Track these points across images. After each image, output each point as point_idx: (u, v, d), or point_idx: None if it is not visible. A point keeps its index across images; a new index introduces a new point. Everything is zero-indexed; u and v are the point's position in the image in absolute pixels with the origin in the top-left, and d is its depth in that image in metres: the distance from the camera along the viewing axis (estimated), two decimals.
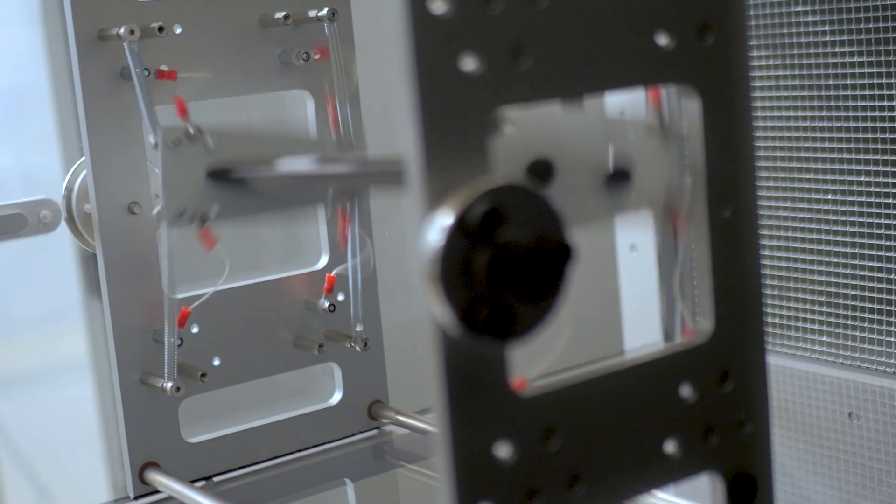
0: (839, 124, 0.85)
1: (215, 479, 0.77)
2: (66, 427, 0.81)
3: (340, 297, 0.80)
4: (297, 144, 0.73)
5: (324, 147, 0.72)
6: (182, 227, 0.68)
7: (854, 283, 0.86)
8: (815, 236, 0.89)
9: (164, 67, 0.72)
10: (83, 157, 0.74)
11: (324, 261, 0.80)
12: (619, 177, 0.48)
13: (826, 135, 0.87)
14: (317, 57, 0.77)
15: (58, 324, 0.82)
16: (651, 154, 0.49)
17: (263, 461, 0.79)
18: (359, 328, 0.80)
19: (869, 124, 0.83)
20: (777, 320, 0.92)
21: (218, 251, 0.72)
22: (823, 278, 0.88)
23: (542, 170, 0.46)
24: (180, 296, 0.73)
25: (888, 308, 0.84)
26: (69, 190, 0.76)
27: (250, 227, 0.76)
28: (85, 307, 0.80)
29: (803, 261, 0.90)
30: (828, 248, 0.88)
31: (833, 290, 0.88)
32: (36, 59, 0.77)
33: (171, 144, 0.67)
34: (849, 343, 0.87)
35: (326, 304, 0.78)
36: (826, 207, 0.87)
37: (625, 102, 1.02)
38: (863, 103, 0.84)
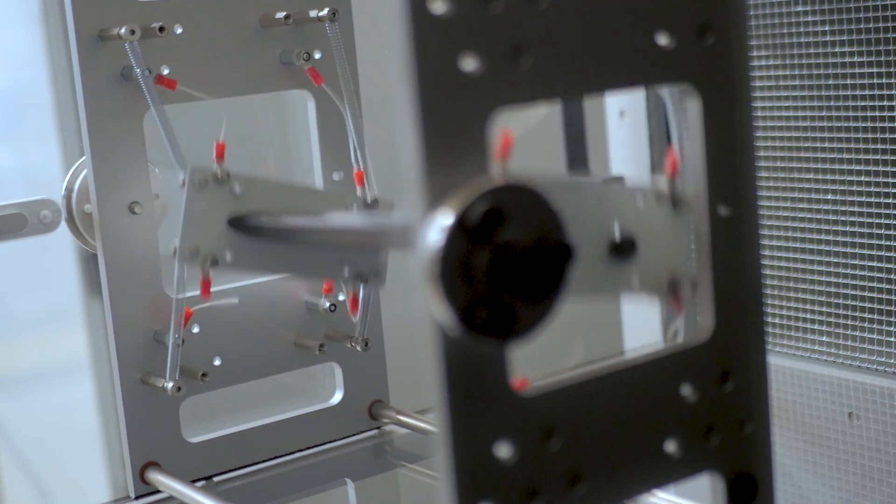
0: (839, 124, 0.85)
1: (216, 478, 0.77)
2: (66, 427, 0.81)
3: (341, 297, 0.80)
4: (321, 199, 0.74)
5: (348, 206, 0.74)
6: (192, 266, 0.69)
7: (854, 283, 0.86)
8: (815, 236, 0.89)
9: (165, 72, 0.72)
10: (83, 157, 0.74)
11: None
12: (625, 247, 0.48)
13: (826, 135, 0.87)
14: (317, 56, 0.77)
15: (58, 324, 0.82)
16: (660, 223, 0.49)
17: (264, 461, 0.79)
18: (360, 328, 0.80)
19: (869, 124, 0.83)
20: (777, 320, 0.92)
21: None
22: (823, 278, 0.88)
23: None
24: (184, 296, 0.73)
25: (888, 308, 0.84)
26: (69, 190, 0.76)
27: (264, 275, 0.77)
28: (85, 307, 0.80)
29: (803, 261, 0.90)
30: (828, 248, 0.88)
31: (833, 290, 0.88)
32: (36, 60, 0.77)
33: (197, 184, 0.68)
34: (849, 343, 0.87)
35: (327, 305, 0.78)
36: (826, 207, 0.87)
37: (625, 103, 1.03)
38: (863, 103, 0.84)
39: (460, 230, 0.40)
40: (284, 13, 0.75)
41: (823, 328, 0.89)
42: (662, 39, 0.45)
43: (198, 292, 0.74)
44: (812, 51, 0.86)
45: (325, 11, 0.75)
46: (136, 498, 0.74)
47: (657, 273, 0.49)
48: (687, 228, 0.49)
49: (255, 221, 0.69)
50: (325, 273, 0.75)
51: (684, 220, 0.49)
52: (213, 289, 0.75)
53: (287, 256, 0.71)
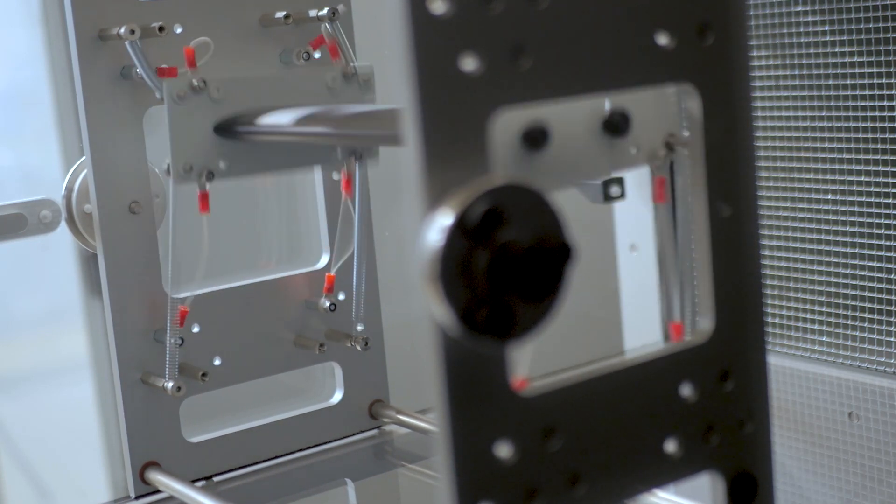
0: (839, 124, 0.85)
1: (217, 478, 0.77)
2: (66, 427, 0.81)
3: (341, 297, 0.80)
4: (302, 82, 0.72)
5: (328, 81, 0.72)
6: (189, 182, 0.68)
7: (854, 283, 0.86)
8: (815, 236, 0.89)
9: (163, 66, 0.72)
10: (83, 157, 0.74)
11: (324, 260, 0.80)
12: (617, 122, 0.48)
13: (826, 135, 0.87)
14: (317, 56, 0.77)
15: (58, 324, 0.82)
16: (649, 97, 0.49)
17: (264, 461, 0.79)
18: (359, 327, 0.80)
19: (869, 124, 0.83)
20: (777, 320, 0.92)
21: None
22: (823, 278, 0.88)
23: (537, 136, 0.46)
24: (183, 295, 0.73)
25: (888, 308, 0.84)
26: (69, 190, 0.76)
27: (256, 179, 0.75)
28: (85, 307, 0.80)
29: (803, 261, 0.90)
30: (828, 248, 0.88)
31: (833, 290, 0.88)
32: (36, 59, 0.77)
33: (176, 98, 0.67)
34: (849, 343, 0.87)
35: (327, 304, 0.78)
36: (826, 207, 0.87)
37: (624, 103, 1.02)
38: (863, 103, 0.84)
39: (460, 230, 0.40)
40: (284, 13, 0.75)
41: (823, 328, 0.89)
42: (662, 39, 0.45)
43: (197, 292, 0.74)
44: (812, 51, 0.86)
45: (325, 11, 0.75)
46: (137, 498, 0.74)
47: (653, 139, 0.49)
48: (675, 92, 0.49)
49: (242, 127, 0.68)
50: (320, 160, 0.74)
51: (672, 94, 0.49)
52: (212, 289, 0.75)
53: (280, 153, 0.70)
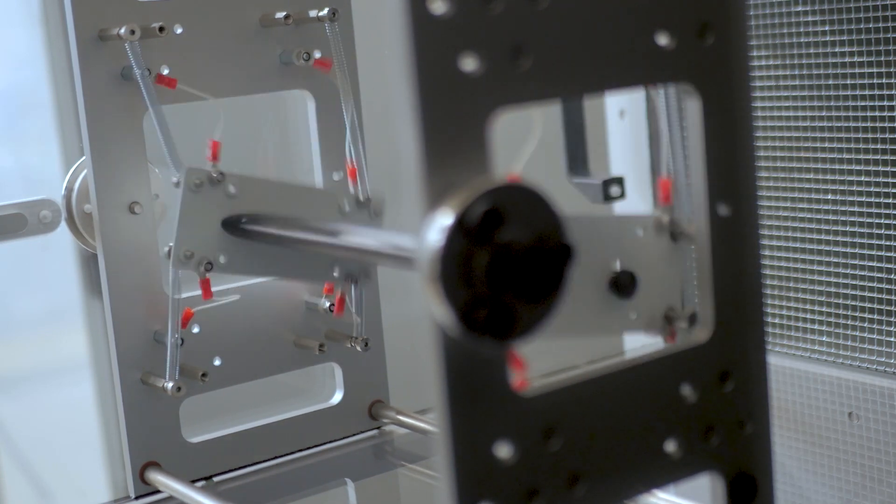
0: (839, 124, 0.85)
1: (217, 478, 0.77)
2: (66, 427, 0.81)
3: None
4: (316, 198, 0.73)
5: (342, 204, 0.74)
6: (187, 269, 0.69)
7: (854, 283, 0.86)
8: (815, 236, 0.89)
9: (165, 72, 0.72)
10: (83, 157, 0.74)
11: None
12: (625, 283, 0.48)
13: (826, 135, 0.87)
14: (318, 55, 0.77)
15: (58, 324, 0.82)
16: (659, 255, 0.49)
17: (264, 461, 0.79)
18: (359, 328, 0.80)
19: (869, 124, 0.83)
20: (777, 320, 0.92)
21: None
22: (823, 278, 0.88)
23: None
24: (184, 296, 0.73)
25: (888, 308, 0.84)
26: (69, 190, 0.76)
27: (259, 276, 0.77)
28: (85, 307, 0.80)
29: (803, 261, 0.90)
30: (828, 248, 0.88)
31: (833, 290, 0.88)
32: (36, 60, 0.77)
33: (193, 187, 0.68)
34: (849, 343, 0.87)
35: (327, 304, 0.78)
36: (826, 207, 0.87)
37: (625, 103, 1.02)
38: (863, 103, 0.84)
39: (460, 230, 0.40)
40: (284, 13, 0.75)
41: (823, 328, 0.89)
42: (663, 39, 0.45)
43: (198, 292, 0.74)
44: (812, 51, 0.86)
45: (325, 11, 0.75)
46: (136, 498, 0.74)
47: (654, 308, 0.49)
48: (685, 260, 0.49)
49: (249, 227, 0.69)
50: (316, 275, 0.75)
51: (683, 253, 0.49)
52: (213, 288, 0.75)
53: (279, 259, 0.71)
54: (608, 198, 0.92)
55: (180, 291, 0.71)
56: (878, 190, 0.84)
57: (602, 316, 0.48)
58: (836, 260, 0.87)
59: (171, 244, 0.69)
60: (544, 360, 0.91)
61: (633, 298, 0.49)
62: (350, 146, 0.77)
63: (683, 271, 0.50)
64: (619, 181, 0.93)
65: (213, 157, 0.69)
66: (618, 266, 0.48)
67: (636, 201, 0.97)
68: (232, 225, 0.70)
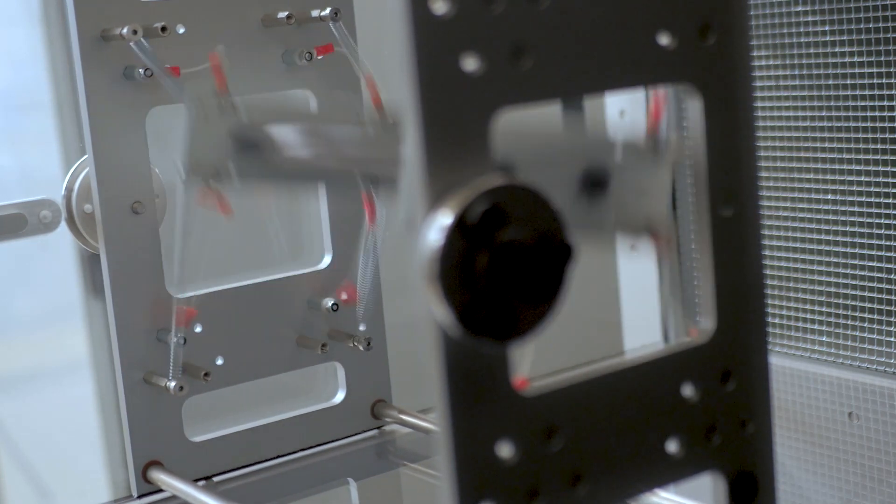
0: (839, 124, 0.85)
1: (218, 478, 0.77)
2: (66, 427, 0.81)
3: (344, 297, 0.80)
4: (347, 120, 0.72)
5: (365, 130, 0.72)
6: (198, 180, 0.67)
7: (854, 283, 0.86)
8: (815, 236, 0.89)
9: (166, 67, 0.72)
10: (83, 157, 0.74)
11: (327, 260, 0.80)
12: (596, 182, 0.48)
13: (826, 135, 0.87)
14: (320, 58, 0.77)
15: (58, 324, 0.82)
16: (637, 166, 0.49)
17: (267, 460, 0.79)
18: (362, 327, 0.80)
19: (869, 124, 0.83)
20: (777, 320, 0.92)
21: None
22: (823, 278, 0.88)
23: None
24: (187, 295, 0.73)
25: (888, 308, 0.84)
26: (69, 190, 0.76)
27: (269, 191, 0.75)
28: (85, 307, 0.80)
29: (803, 261, 0.90)
30: (828, 248, 0.88)
31: (833, 290, 0.88)
32: (36, 59, 0.77)
33: (203, 118, 0.66)
34: (849, 343, 0.87)
35: (330, 304, 0.79)
36: (826, 207, 0.88)
37: (625, 103, 1.03)
38: (863, 103, 0.84)
39: (460, 230, 0.40)
40: (286, 13, 0.75)
41: (823, 328, 0.89)
42: (664, 39, 0.46)
43: (200, 292, 0.74)
44: (812, 51, 0.86)
45: (328, 11, 0.75)
46: (139, 497, 0.74)
47: (634, 214, 0.49)
48: (667, 173, 0.49)
49: (261, 140, 0.67)
50: (338, 178, 0.73)
51: (664, 166, 0.49)
52: (214, 289, 0.75)
53: (295, 171, 0.70)
54: None
55: (184, 289, 0.71)
56: (878, 190, 0.84)
57: (579, 218, 0.48)
58: (836, 260, 0.87)
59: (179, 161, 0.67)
60: (545, 359, 0.91)
61: (609, 200, 0.48)
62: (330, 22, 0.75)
63: (665, 183, 0.49)
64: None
65: (222, 87, 0.68)
66: (590, 169, 0.48)
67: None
68: (240, 140, 0.68)
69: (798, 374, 0.89)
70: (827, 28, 0.85)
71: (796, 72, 0.87)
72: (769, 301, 0.92)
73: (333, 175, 0.71)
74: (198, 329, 0.75)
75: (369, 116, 0.71)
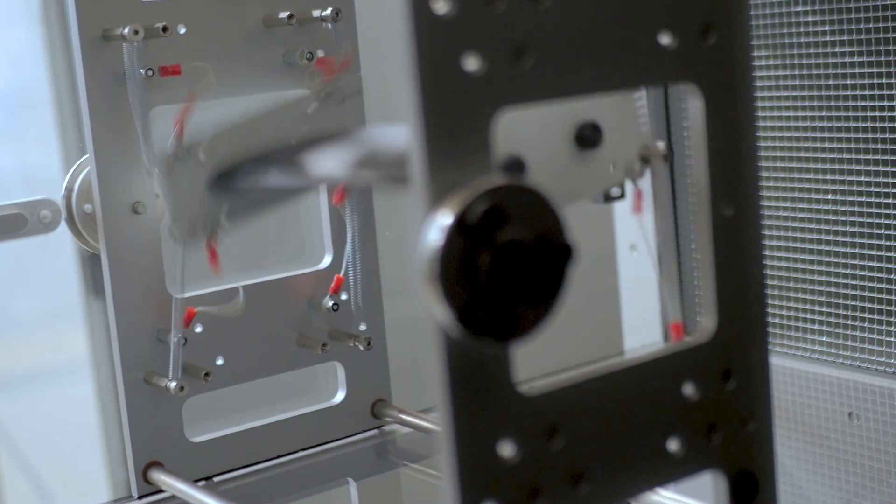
0: (839, 124, 0.85)
1: (218, 478, 0.77)
2: (66, 427, 0.81)
3: (344, 297, 0.80)
4: (283, 116, 0.72)
5: (307, 110, 0.72)
6: (198, 241, 0.68)
7: (854, 283, 0.86)
8: (815, 236, 0.89)
9: (167, 66, 0.72)
10: (84, 157, 0.74)
11: (327, 260, 0.80)
12: (589, 135, 0.48)
13: (826, 135, 0.87)
14: (321, 55, 0.77)
15: (58, 324, 0.82)
16: (617, 100, 0.49)
17: (267, 460, 0.79)
18: (362, 327, 0.80)
19: (869, 124, 0.84)
20: (777, 320, 0.92)
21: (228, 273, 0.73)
22: (823, 278, 0.88)
23: (514, 165, 0.46)
24: (187, 295, 0.73)
25: (888, 308, 0.85)
26: (69, 190, 0.76)
27: (263, 218, 0.76)
28: (85, 307, 0.80)
29: (803, 261, 0.90)
30: (828, 248, 0.88)
31: (833, 290, 0.88)
32: (36, 59, 0.77)
33: (167, 171, 0.67)
34: (849, 343, 0.87)
35: (330, 304, 0.79)
36: (826, 207, 0.88)
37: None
38: (863, 103, 0.84)
39: (460, 230, 0.40)
40: (287, 13, 0.75)
41: (823, 328, 0.89)
42: (665, 39, 0.46)
43: (200, 292, 0.74)
44: (812, 51, 0.86)
45: (329, 11, 0.75)
46: (139, 497, 0.74)
47: (627, 153, 0.49)
48: (643, 100, 0.49)
49: (235, 183, 0.68)
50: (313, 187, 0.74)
51: (638, 93, 0.49)
52: (215, 289, 0.75)
53: (276, 192, 0.71)
54: (608, 198, 0.92)
55: (184, 289, 0.71)
56: (878, 190, 0.84)
57: (581, 177, 0.48)
58: (836, 260, 0.87)
59: (169, 228, 0.68)
60: (545, 359, 0.91)
61: (604, 149, 0.49)
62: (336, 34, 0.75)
63: (645, 110, 0.50)
64: (619, 182, 0.93)
65: (180, 133, 0.69)
66: (575, 121, 0.48)
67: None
68: (216, 185, 0.69)
69: (798, 374, 0.89)
70: (827, 28, 0.85)
71: (796, 72, 0.88)
72: (769, 301, 0.92)
73: (310, 186, 0.72)
74: (198, 329, 0.75)
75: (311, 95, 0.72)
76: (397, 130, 0.54)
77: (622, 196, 0.95)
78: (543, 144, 0.47)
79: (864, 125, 0.84)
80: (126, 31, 0.69)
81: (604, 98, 0.49)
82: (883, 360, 0.85)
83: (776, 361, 0.90)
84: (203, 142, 0.68)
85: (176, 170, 0.68)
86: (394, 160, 0.55)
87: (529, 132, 0.47)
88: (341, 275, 0.79)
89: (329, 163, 0.64)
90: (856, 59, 0.83)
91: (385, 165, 0.58)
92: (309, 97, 0.73)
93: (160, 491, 0.75)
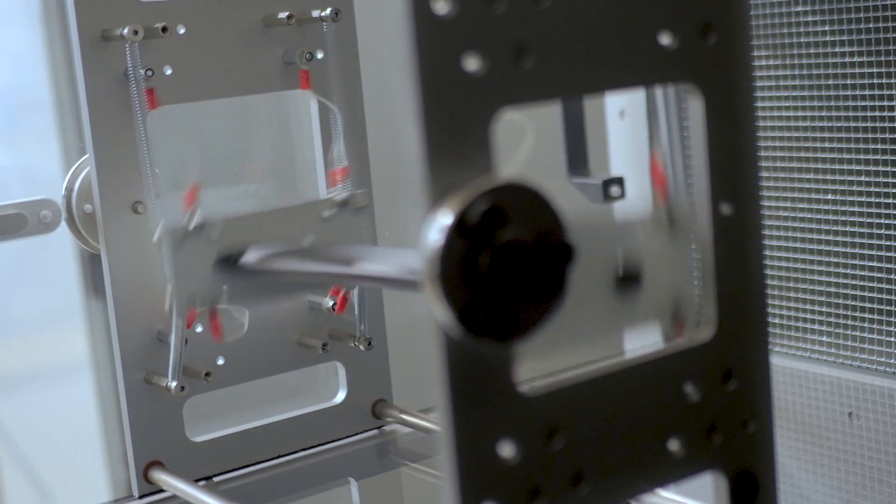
0: (839, 124, 0.85)
1: (219, 478, 0.77)
2: (66, 427, 0.81)
3: (332, 302, 0.80)
4: (297, 215, 0.73)
5: (321, 209, 0.73)
6: (191, 308, 0.69)
7: (854, 283, 0.86)
8: (815, 236, 0.89)
9: (168, 73, 0.72)
10: (83, 157, 0.74)
11: None
12: (629, 279, 0.48)
13: (826, 135, 0.87)
14: (320, 57, 0.77)
15: (58, 324, 0.82)
16: (660, 251, 0.49)
17: (268, 460, 0.79)
18: (362, 327, 0.80)
19: (869, 124, 0.84)
20: (777, 320, 0.92)
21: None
22: (823, 278, 0.88)
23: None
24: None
25: (888, 308, 0.85)
26: (69, 190, 0.76)
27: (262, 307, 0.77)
28: (85, 307, 0.80)
29: (803, 261, 0.90)
30: (828, 248, 0.88)
31: (833, 290, 0.88)
32: (36, 59, 0.77)
33: (175, 243, 0.68)
34: (849, 343, 0.87)
35: (330, 304, 0.79)
36: (826, 207, 0.88)
37: (625, 102, 1.03)
38: (863, 103, 0.84)
39: (460, 230, 0.40)
40: (287, 13, 0.75)
41: (823, 328, 0.89)
42: (665, 39, 0.46)
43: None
44: (812, 51, 0.86)
45: (328, 11, 0.75)
46: (140, 497, 0.74)
47: (661, 299, 0.49)
48: (686, 246, 0.49)
49: (242, 266, 0.69)
50: (319, 285, 0.75)
51: (683, 239, 0.49)
52: None
53: (280, 283, 0.71)
54: (608, 198, 0.92)
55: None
56: (878, 190, 0.84)
57: (611, 315, 0.48)
58: (836, 260, 0.87)
59: (169, 300, 0.69)
60: (543, 360, 0.91)
61: (640, 294, 0.49)
62: (340, 146, 0.76)
63: (686, 258, 0.50)
64: (619, 181, 0.93)
65: (189, 203, 0.69)
66: (620, 266, 0.48)
67: (636, 201, 0.97)
68: (224, 265, 0.70)
69: (798, 374, 0.89)
70: (827, 28, 0.85)
71: (796, 72, 0.88)
72: (769, 301, 0.92)
73: (317, 282, 0.73)
74: (199, 329, 0.75)
75: (326, 201, 0.73)
76: (405, 252, 0.55)
77: (622, 196, 0.95)
78: (581, 273, 0.47)
79: (864, 125, 0.84)
80: (126, 31, 0.69)
81: (649, 247, 0.49)
82: (883, 360, 0.85)
83: (776, 361, 0.90)
84: (216, 223, 0.69)
85: (185, 244, 0.68)
86: (397, 278, 0.56)
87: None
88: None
89: (334, 268, 0.65)
90: (856, 59, 0.83)
91: (390, 283, 0.58)
92: (325, 202, 0.73)
93: (161, 491, 0.75)
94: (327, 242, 0.73)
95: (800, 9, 0.86)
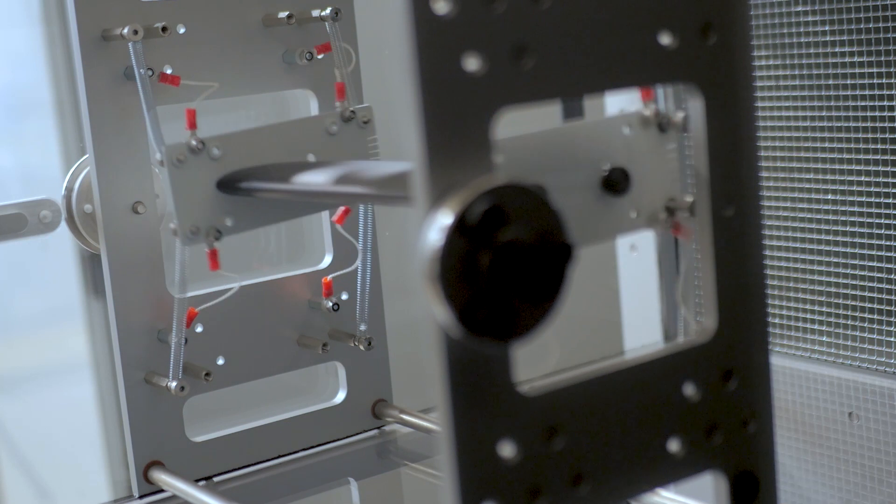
0: (839, 124, 0.85)
1: (219, 478, 0.77)
2: (66, 427, 0.81)
3: (344, 297, 0.80)
4: (303, 131, 0.72)
5: (328, 127, 0.72)
6: (197, 243, 0.68)
7: (854, 283, 0.86)
8: (815, 236, 0.89)
9: (168, 70, 0.72)
10: (83, 157, 0.74)
11: (327, 260, 0.80)
12: (618, 180, 0.48)
13: (826, 135, 0.87)
14: (320, 57, 0.77)
15: (58, 324, 0.82)
16: (649, 148, 0.49)
17: (268, 460, 0.79)
18: (362, 327, 0.80)
19: (869, 124, 0.84)
20: (777, 320, 0.92)
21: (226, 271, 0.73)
22: (823, 278, 0.88)
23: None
24: (188, 295, 0.73)
25: (888, 308, 0.85)
26: (69, 190, 0.76)
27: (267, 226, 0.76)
28: (85, 307, 0.80)
29: (803, 261, 0.90)
30: (828, 248, 0.88)
31: (833, 290, 0.88)
32: (36, 59, 0.77)
33: (176, 162, 0.67)
34: (849, 343, 0.87)
35: (330, 304, 0.79)
36: (826, 207, 0.88)
37: (625, 102, 1.03)
38: (863, 103, 0.84)
39: (460, 230, 0.40)
40: (287, 13, 0.75)
41: (823, 328, 0.89)
42: (665, 39, 0.46)
43: (201, 292, 0.74)
44: (812, 51, 0.86)
45: (328, 11, 0.75)
46: (140, 497, 0.74)
47: (653, 202, 0.49)
48: (676, 151, 0.49)
49: (245, 185, 0.68)
50: (325, 205, 0.74)
51: (672, 144, 0.49)
52: (216, 289, 0.75)
53: (283, 204, 0.70)
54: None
55: (187, 290, 0.71)
56: (878, 190, 0.84)
57: (601, 218, 0.48)
58: (836, 260, 0.87)
59: (173, 224, 0.68)
60: (546, 358, 0.91)
61: (629, 195, 0.49)
62: (339, 63, 0.75)
63: (676, 161, 0.50)
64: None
65: (191, 125, 0.68)
66: (608, 166, 0.48)
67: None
68: (227, 185, 0.68)
69: (798, 374, 0.89)
70: (827, 28, 0.85)
71: (796, 72, 0.88)
72: (769, 301, 0.92)
73: (321, 203, 0.72)
74: (199, 329, 0.75)
75: (332, 115, 0.72)
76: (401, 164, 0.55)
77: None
78: (570, 182, 0.47)
79: (864, 125, 0.84)
80: (126, 31, 0.69)
81: (637, 146, 0.49)
82: (883, 360, 0.85)
83: (776, 361, 0.90)
84: (218, 139, 0.68)
85: (187, 162, 0.67)
86: (389, 181, 0.56)
87: (557, 167, 0.47)
88: (329, 278, 0.79)
89: (331, 179, 0.64)
90: (856, 59, 0.83)
91: (381, 184, 0.58)
92: (331, 115, 0.72)
93: (161, 490, 0.75)
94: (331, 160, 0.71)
95: (800, 9, 0.86)
